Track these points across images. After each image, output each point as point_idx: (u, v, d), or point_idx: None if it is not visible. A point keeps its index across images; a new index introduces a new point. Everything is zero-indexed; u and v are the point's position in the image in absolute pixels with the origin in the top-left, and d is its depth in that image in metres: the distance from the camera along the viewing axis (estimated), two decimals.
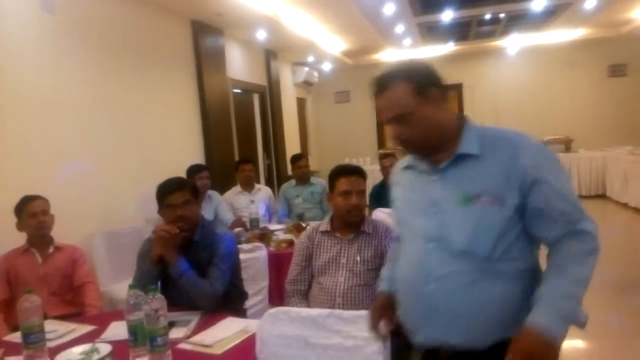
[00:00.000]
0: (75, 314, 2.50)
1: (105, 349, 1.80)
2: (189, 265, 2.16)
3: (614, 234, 6.45)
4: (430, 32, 8.13)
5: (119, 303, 3.14)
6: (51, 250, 2.68)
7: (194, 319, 2.07)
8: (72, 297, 2.68)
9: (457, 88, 10.41)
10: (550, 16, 7.63)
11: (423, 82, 1.40)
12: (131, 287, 1.77)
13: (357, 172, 2.21)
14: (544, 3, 6.57)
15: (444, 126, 1.41)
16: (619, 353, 3.19)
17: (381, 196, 3.89)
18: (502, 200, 1.31)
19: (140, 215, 4.13)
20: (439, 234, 1.36)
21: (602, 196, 8.27)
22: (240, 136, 6.55)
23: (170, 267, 2.15)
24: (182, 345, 1.86)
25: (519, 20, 7.73)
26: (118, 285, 3.36)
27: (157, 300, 1.64)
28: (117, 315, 2.19)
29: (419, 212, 1.43)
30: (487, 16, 7.26)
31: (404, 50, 9.02)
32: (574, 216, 1.33)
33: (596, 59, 9.55)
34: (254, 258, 2.81)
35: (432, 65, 1.46)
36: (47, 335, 1.84)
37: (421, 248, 1.39)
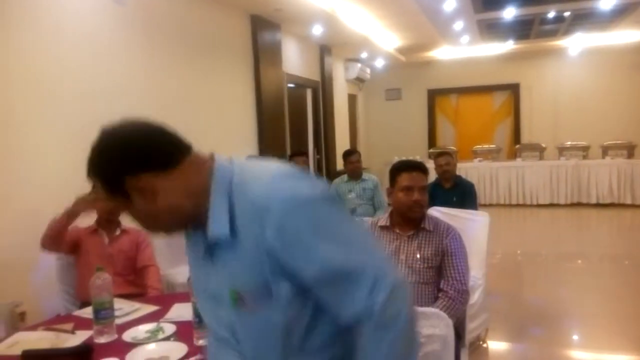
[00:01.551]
0: (137, 294, 2.59)
1: (169, 328, 1.87)
2: None
3: None
4: (490, 30, 7.92)
5: (177, 286, 3.23)
6: (117, 232, 2.79)
7: None
8: (135, 278, 2.78)
9: (514, 88, 10.11)
10: (618, 15, 7.28)
11: (112, 177, 0.95)
12: None
13: (419, 168, 2.18)
14: (613, 1, 6.26)
15: (178, 205, 0.97)
16: None
17: (435, 195, 3.83)
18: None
19: None
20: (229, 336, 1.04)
21: None
22: (292, 130, 6.62)
23: None
24: None
25: (584, 19, 7.41)
26: (176, 270, 3.46)
27: None
28: (180, 297, 2.25)
29: (207, 299, 1.09)
30: (551, 14, 7.00)
31: (461, 47, 8.84)
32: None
33: None
34: None
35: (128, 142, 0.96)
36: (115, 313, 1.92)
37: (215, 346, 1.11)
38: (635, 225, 7.31)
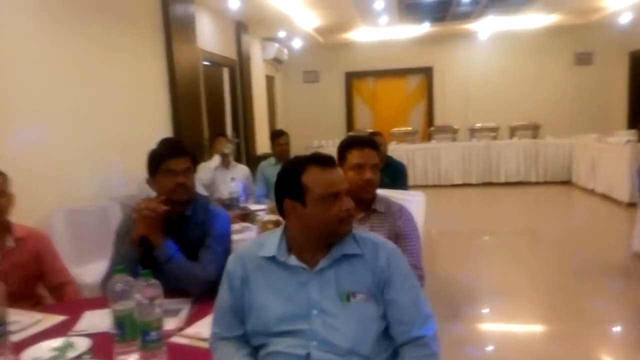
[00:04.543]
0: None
1: (82, 344, 1.52)
2: (178, 247, 1.88)
3: (580, 219, 6.57)
4: (409, 10, 7.93)
5: (84, 288, 2.80)
6: (10, 243, 2.10)
7: (185, 307, 1.81)
8: (39, 297, 2.23)
9: (428, 71, 10.33)
10: None
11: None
12: (118, 270, 1.48)
13: (370, 144, 1.98)
14: None
15: None
16: (583, 336, 3.18)
17: None
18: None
19: (104, 192, 3.77)
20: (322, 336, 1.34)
21: (568, 182, 8.41)
22: (209, 111, 6.19)
23: (156, 249, 1.86)
24: (176, 339, 1.59)
25: (498, 1, 7.63)
26: (81, 269, 3.02)
27: (152, 287, 1.37)
28: (91, 304, 1.89)
29: (298, 314, 1.37)
30: None
31: (379, 29, 8.80)
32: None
33: (564, 46, 9.67)
34: (243, 240, 2.55)
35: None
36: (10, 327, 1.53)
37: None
38: (540, 201, 7.76)
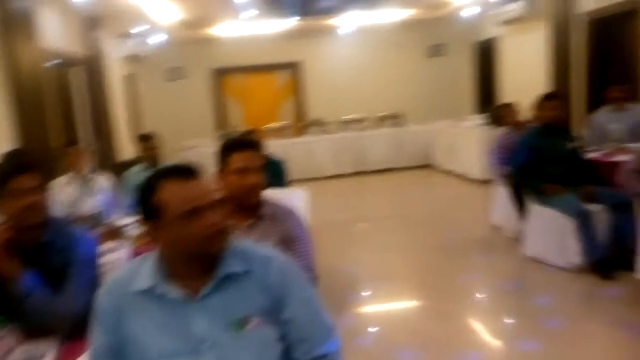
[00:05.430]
0: None
1: None
2: (39, 279, 1.60)
3: (443, 199, 7.10)
4: (275, 4, 7.86)
5: None
6: None
7: (50, 351, 1.54)
8: None
9: (296, 66, 10.41)
10: None
11: None
12: None
13: (252, 146, 1.87)
14: None
15: None
16: (456, 307, 3.44)
17: None
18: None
19: None
20: None
21: (430, 166, 9.06)
22: (58, 116, 5.54)
23: (11, 284, 1.56)
24: None
25: None
26: None
27: (9, 337, 1.12)
28: None
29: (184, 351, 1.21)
30: None
31: (245, 23, 8.61)
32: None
33: (418, 39, 10.36)
34: (113, 262, 2.28)
35: None
36: None
37: None
38: (407, 185, 8.25)
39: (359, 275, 4.23)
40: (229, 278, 1.24)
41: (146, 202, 1.21)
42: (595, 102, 5.99)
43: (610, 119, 4.92)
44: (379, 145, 9.20)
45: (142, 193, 1.23)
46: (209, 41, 9.73)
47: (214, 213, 1.21)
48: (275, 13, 8.43)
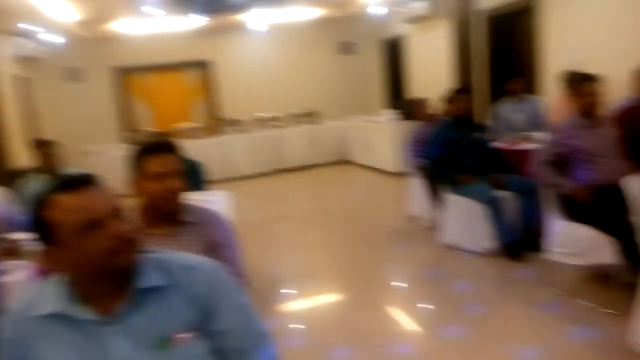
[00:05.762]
0: None
1: None
2: None
3: (361, 193, 7.24)
4: (181, 1, 7.54)
5: None
6: None
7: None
8: None
9: (208, 64, 10.10)
10: None
11: None
12: None
13: (169, 149, 1.73)
14: None
15: None
16: (379, 297, 3.55)
17: None
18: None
19: None
20: None
21: (347, 161, 9.20)
22: None
23: None
24: None
25: None
26: None
27: None
28: None
29: None
30: None
31: (150, 20, 8.18)
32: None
33: (329, 37, 10.45)
34: (13, 283, 2.03)
35: None
36: None
37: None
38: (326, 181, 8.31)
39: (283, 274, 4.18)
40: (149, 293, 1.12)
41: (38, 222, 1.08)
42: (496, 94, 6.37)
43: (511, 110, 5.26)
44: (296, 142, 9.19)
45: (33, 211, 1.08)
46: (111, 39, 9.15)
47: (117, 222, 1.09)
48: (182, 11, 8.10)
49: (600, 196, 2.94)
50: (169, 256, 1.22)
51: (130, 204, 1.73)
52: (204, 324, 1.16)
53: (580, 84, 3.23)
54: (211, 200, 2.78)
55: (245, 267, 1.91)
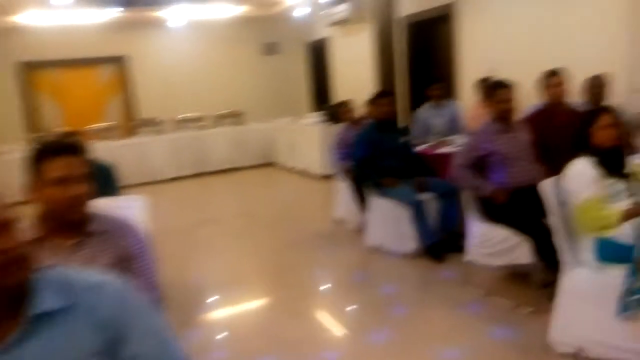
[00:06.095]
0: None
1: None
2: None
3: (287, 196, 7.17)
4: None
5: None
6: None
7: None
8: None
9: (123, 60, 9.56)
10: None
11: None
12: None
13: (72, 151, 1.54)
14: None
15: None
16: (305, 301, 3.51)
17: None
18: None
19: None
20: None
21: (273, 164, 9.08)
22: None
23: None
24: None
25: None
26: None
27: None
28: None
29: None
30: None
31: (55, 11, 7.60)
32: None
33: (253, 36, 10.28)
34: None
35: None
36: None
37: None
38: (251, 184, 8.15)
39: (206, 282, 4.00)
40: (46, 317, 0.97)
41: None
42: (416, 99, 6.55)
43: (432, 115, 5.42)
44: (219, 144, 8.94)
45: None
46: (14, 31, 8.39)
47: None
48: (95, 2, 7.61)
49: (517, 198, 3.07)
50: (70, 273, 1.06)
51: (29, 213, 1.53)
52: (111, 350, 1.02)
53: (494, 90, 3.35)
54: (124, 206, 2.57)
55: (160, 280, 1.75)
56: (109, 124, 8.81)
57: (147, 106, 9.57)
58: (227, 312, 3.53)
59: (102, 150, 7.77)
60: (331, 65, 9.30)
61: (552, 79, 3.67)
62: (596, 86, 4.08)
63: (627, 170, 2.47)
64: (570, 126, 3.35)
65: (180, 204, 7.16)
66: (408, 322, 3.05)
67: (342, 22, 8.18)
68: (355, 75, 8.30)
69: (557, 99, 3.65)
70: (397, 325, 3.00)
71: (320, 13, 8.54)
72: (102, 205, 2.57)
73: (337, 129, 5.49)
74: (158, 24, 9.20)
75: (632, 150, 3.23)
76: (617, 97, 4.05)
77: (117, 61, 9.54)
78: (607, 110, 2.52)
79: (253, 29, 10.14)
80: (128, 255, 1.60)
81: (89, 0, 7.42)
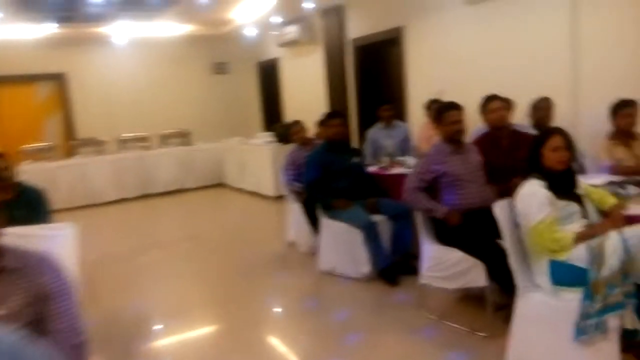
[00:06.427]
0: None
1: None
2: None
3: (237, 218, 6.96)
4: (28, 6, 6.68)
5: None
6: None
7: None
8: None
9: (61, 78, 9.11)
10: (163, 6, 7.46)
11: None
12: None
13: None
14: None
15: None
16: (256, 327, 3.35)
17: None
18: None
19: None
20: None
21: (221, 185, 8.84)
22: None
23: None
24: None
25: (131, 5, 7.25)
26: None
27: None
28: None
29: None
30: None
31: None
32: None
33: (202, 56, 10.10)
34: None
35: None
36: None
37: None
38: (199, 206, 7.87)
39: (150, 311, 3.74)
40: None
41: None
42: (367, 120, 6.55)
43: (382, 135, 5.40)
44: (165, 165, 8.62)
45: None
46: None
47: None
48: (30, 17, 7.22)
49: (470, 220, 3.03)
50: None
51: None
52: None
53: (444, 112, 3.32)
54: (50, 235, 2.32)
55: (84, 322, 1.54)
56: (46, 144, 8.33)
57: (88, 125, 9.13)
58: (172, 342, 3.29)
59: (38, 171, 7.40)
60: (282, 86, 9.22)
61: (491, 103, 3.61)
62: (541, 108, 4.16)
63: (578, 191, 2.47)
64: (514, 149, 3.39)
65: (123, 228, 6.78)
66: (362, 348, 2.92)
67: (292, 43, 8.14)
68: (306, 96, 8.25)
69: (499, 123, 3.59)
70: (351, 352, 2.87)
71: (271, 33, 8.47)
72: (23, 233, 2.33)
73: (288, 149, 5.37)
74: (101, 40, 8.85)
75: (583, 171, 3.28)
76: (560, 119, 4.14)
77: (55, 78, 9.08)
78: (558, 131, 2.52)
79: (202, 48, 9.96)
80: (46, 294, 1.39)
81: (23, 15, 7.03)
